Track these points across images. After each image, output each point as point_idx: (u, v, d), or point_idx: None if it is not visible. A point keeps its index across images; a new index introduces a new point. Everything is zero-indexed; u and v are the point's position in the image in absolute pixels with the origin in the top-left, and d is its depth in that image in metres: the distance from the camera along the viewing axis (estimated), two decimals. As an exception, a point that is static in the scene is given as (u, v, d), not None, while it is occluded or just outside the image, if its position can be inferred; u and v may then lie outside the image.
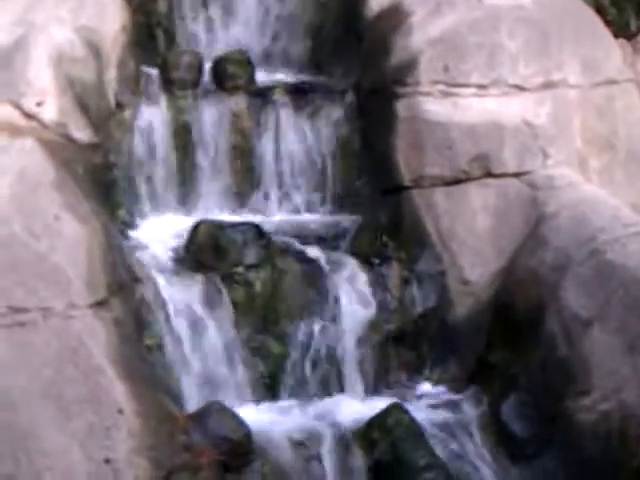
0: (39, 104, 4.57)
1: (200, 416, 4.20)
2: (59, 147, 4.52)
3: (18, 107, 4.53)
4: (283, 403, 4.65)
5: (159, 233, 5.09)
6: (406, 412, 4.40)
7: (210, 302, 4.70)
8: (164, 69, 5.32)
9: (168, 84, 5.35)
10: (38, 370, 3.91)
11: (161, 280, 4.69)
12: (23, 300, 4.01)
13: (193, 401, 4.44)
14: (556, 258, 4.64)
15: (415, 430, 4.34)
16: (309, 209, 5.39)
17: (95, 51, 4.89)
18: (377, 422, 4.39)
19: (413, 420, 4.37)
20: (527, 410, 4.46)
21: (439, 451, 4.36)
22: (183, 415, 4.17)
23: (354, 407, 4.65)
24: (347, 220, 5.22)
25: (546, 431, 4.39)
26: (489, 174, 5.07)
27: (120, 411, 3.90)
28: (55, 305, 4.04)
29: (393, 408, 4.42)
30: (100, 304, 4.16)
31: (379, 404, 4.63)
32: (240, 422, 4.23)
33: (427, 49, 5.09)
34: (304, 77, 5.74)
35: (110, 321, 4.14)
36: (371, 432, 4.37)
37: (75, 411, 3.85)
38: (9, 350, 3.91)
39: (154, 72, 5.26)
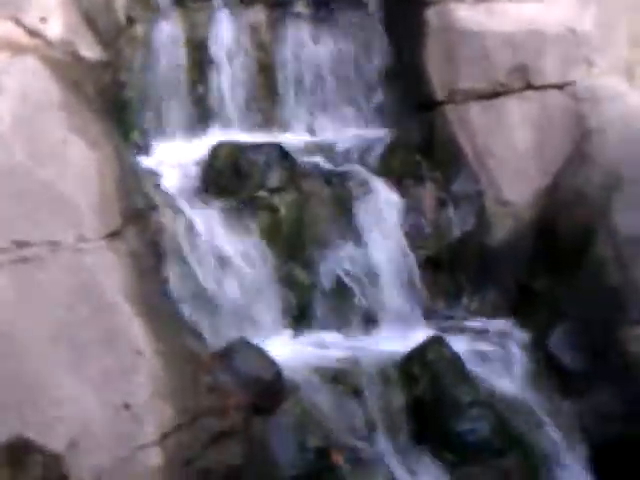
0: (43, 20, 4.22)
1: (226, 354, 3.77)
2: (65, 66, 4.25)
3: (20, 24, 4.25)
4: (314, 337, 4.22)
5: (175, 156, 4.67)
6: (446, 345, 3.95)
7: (232, 229, 4.17)
8: (176, -19, 4.87)
9: (181, -3, 4.84)
10: (47, 311, 3.44)
11: (180, 207, 4.12)
12: (28, 233, 3.55)
13: (218, 337, 3.93)
14: (605, 177, 4.17)
15: (457, 365, 3.91)
16: (335, 126, 4.87)
17: None
18: (416, 357, 3.96)
19: (454, 354, 3.94)
20: (576, 340, 4.01)
21: (483, 386, 3.84)
22: (208, 354, 3.69)
23: (390, 339, 4.18)
24: (377, 138, 4.70)
25: (597, 363, 3.94)
26: (528, 86, 4.67)
27: (139, 352, 3.44)
28: (64, 238, 3.58)
29: (433, 341, 3.98)
30: (114, 235, 3.69)
31: (416, 336, 4.20)
32: (269, 359, 3.79)
33: None
34: (324, -13, 5.13)
35: (125, 253, 3.68)
36: (410, 367, 3.95)
37: (89, 354, 3.40)
38: (13, 289, 3.45)
39: (167, -16, 4.88)
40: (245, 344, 3.86)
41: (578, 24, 4.66)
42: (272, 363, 3.82)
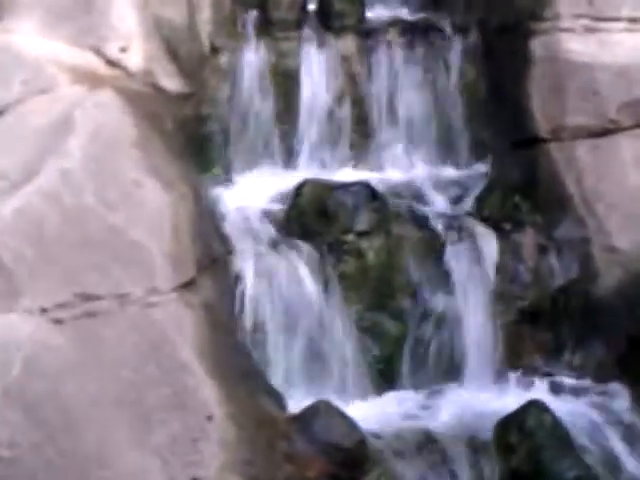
0: (123, 50, 4.09)
1: (305, 418, 3.40)
2: (145, 98, 4.03)
3: (100, 54, 4.08)
4: (401, 395, 3.86)
5: (258, 194, 4.38)
6: (548, 410, 3.50)
7: (316, 275, 3.78)
8: (263, 8, 4.78)
9: (268, 25, 4.74)
10: (112, 372, 3.13)
11: (260, 251, 3.78)
12: (95, 285, 3.23)
13: (295, 396, 3.56)
14: None
15: (560, 434, 3.48)
16: (428, 165, 4.49)
17: None
18: (514, 422, 3.54)
19: (557, 421, 3.48)
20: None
21: (590, 459, 3.41)
22: (284, 417, 3.31)
23: (484, 400, 3.80)
24: (473, 177, 4.28)
25: None
26: (643, 124, 4.09)
27: (210, 417, 3.09)
28: (133, 290, 3.26)
29: (533, 405, 3.55)
30: (187, 285, 3.36)
31: (513, 397, 3.78)
32: (352, 425, 3.41)
33: None
34: (420, 14, 4.72)
35: (199, 306, 3.34)
36: (507, 435, 3.52)
37: (156, 420, 3.06)
38: (75, 349, 3.13)
39: (253, 12, 4.72)
40: (326, 406, 3.49)
41: (699, 56, 4.18)
42: (355, 429, 3.46)
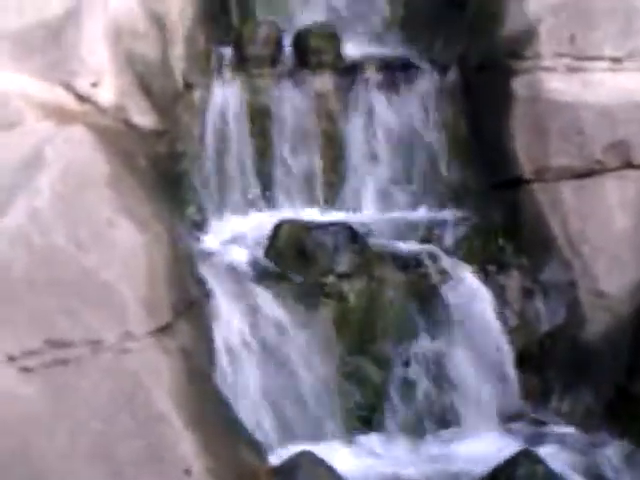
0: (94, 85, 3.93)
1: (288, 470, 3.18)
2: (117, 135, 3.87)
3: (70, 88, 3.92)
4: (386, 443, 3.63)
5: (234, 235, 4.18)
6: (540, 461, 3.30)
7: (295, 318, 3.59)
8: (238, 44, 4.62)
9: (243, 61, 4.60)
10: (84, 423, 2.89)
11: (238, 294, 3.59)
12: (66, 331, 3.03)
13: (276, 445, 3.35)
14: None
15: (554, 486, 3.24)
16: (409, 205, 4.33)
17: (159, 24, 4.27)
18: (504, 473, 3.31)
19: (550, 472, 3.26)
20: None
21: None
22: (265, 469, 3.10)
23: (472, 448, 3.62)
24: (455, 219, 4.11)
25: None
26: (629, 165, 4.12)
27: (188, 472, 2.89)
28: (106, 336, 3.05)
29: (523, 456, 3.36)
30: (163, 330, 3.17)
31: (501, 445, 3.56)
32: (338, 477, 3.16)
33: (548, 15, 4.24)
34: (398, 51, 4.57)
35: (175, 352, 3.15)
36: (497, 487, 3.27)
37: (130, 476, 2.77)
38: (46, 399, 2.92)
39: (227, 48, 4.58)
40: (309, 458, 3.27)
41: (683, 96, 4.06)
42: (340, 481, 3.22)
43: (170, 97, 4.29)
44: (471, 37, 4.59)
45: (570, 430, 3.88)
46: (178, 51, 4.41)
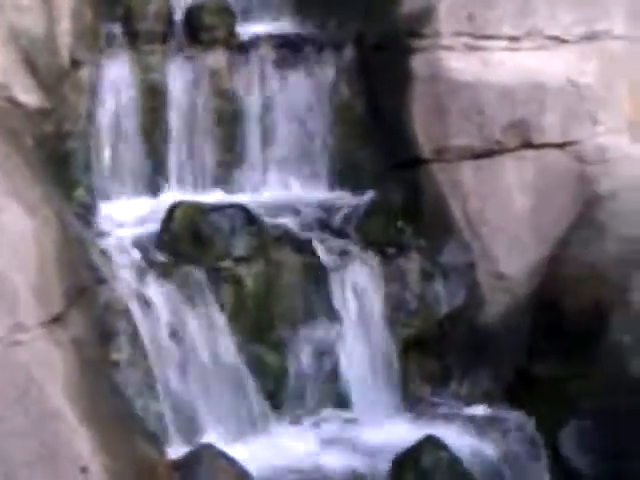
0: None
1: (188, 464, 3.04)
2: (1, 114, 3.56)
3: None
4: (287, 431, 3.48)
5: (125, 218, 3.98)
6: (444, 447, 3.22)
7: (191, 305, 3.44)
8: (128, 19, 4.40)
9: (133, 37, 4.39)
10: (-28, 422, 2.65)
11: (130, 279, 3.40)
12: (-48, 324, 2.75)
13: (175, 437, 3.19)
14: (622, 251, 3.52)
15: (459, 472, 3.15)
16: (304, 186, 4.18)
17: None
18: (409, 461, 3.27)
19: (455, 459, 3.19)
20: (593, 441, 3.29)
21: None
22: (165, 463, 2.94)
23: (372, 434, 3.49)
24: (353, 200, 4.00)
25: (619, 468, 3.21)
26: (528, 144, 4.08)
27: (84, 470, 2.72)
28: (-5, 328, 2.78)
29: (427, 442, 3.27)
30: (55, 321, 2.99)
31: (402, 429, 3.51)
32: (239, 469, 3.05)
33: None
34: (291, 29, 4.42)
35: (68, 343, 2.99)
36: (403, 475, 3.18)
37: (24, 477, 2.57)
38: None
39: (116, 24, 4.35)
40: (210, 450, 3.13)
41: (580, 76, 4.02)
42: (243, 474, 3.09)
43: (56, 74, 4.09)
44: (368, 15, 4.47)
45: (470, 410, 3.79)
46: (64, 26, 4.21)
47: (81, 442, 2.88)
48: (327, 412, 3.76)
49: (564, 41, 4.16)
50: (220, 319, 3.69)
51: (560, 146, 4.08)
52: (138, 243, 3.87)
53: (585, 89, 4.09)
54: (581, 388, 3.59)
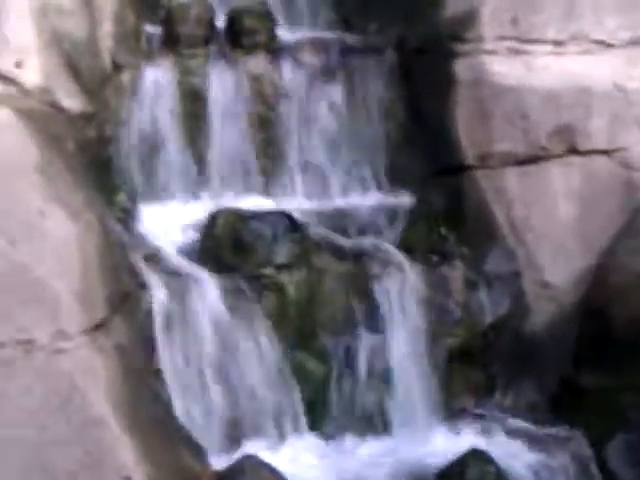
0: (18, 65, 3.67)
1: (231, 475, 2.98)
2: (44, 119, 3.65)
3: None
4: (331, 442, 3.45)
5: (168, 223, 3.98)
6: (490, 461, 3.16)
7: (233, 312, 3.39)
8: (169, 23, 4.37)
9: (174, 41, 4.33)
10: (15, 431, 2.62)
11: (175, 286, 3.38)
12: (-5, 331, 2.71)
13: (218, 447, 3.15)
14: (672, 260, 3.41)
15: (505, 485, 3.11)
16: (346, 193, 4.13)
17: (86, 1, 4.03)
18: (454, 475, 3.14)
19: (501, 472, 3.12)
20: (640, 455, 3.23)
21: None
22: (209, 474, 2.90)
23: (416, 446, 3.42)
24: (396, 207, 3.95)
25: None
26: (574, 150, 4.00)
27: (127, 479, 2.61)
28: (38, 335, 2.80)
29: (473, 456, 3.21)
30: (98, 327, 2.95)
31: (446, 442, 3.38)
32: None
33: None
34: (332, 34, 4.37)
35: (111, 350, 2.94)
36: (448, 488, 3.12)
37: None
38: (-26, 406, 2.61)
39: (158, 27, 4.33)
40: (253, 461, 3.09)
41: (628, 81, 3.95)
42: (286, 485, 3.04)
43: (98, 78, 4.06)
44: (410, 19, 4.41)
45: (515, 422, 3.72)
46: (106, 30, 4.18)
47: (124, 451, 2.83)
48: (368, 423, 3.67)
49: (610, 45, 4.08)
50: (263, 326, 3.62)
51: (607, 152, 4.00)
52: (181, 248, 3.82)
53: (632, 94, 4.01)
54: (629, 400, 3.52)
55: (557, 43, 4.09)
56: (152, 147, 4.26)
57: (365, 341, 3.77)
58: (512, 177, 4.01)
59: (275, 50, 4.43)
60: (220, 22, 4.52)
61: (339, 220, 4.09)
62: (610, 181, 4.00)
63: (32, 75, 3.71)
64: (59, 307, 2.99)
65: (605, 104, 4.00)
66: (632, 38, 4.12)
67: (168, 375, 3.41)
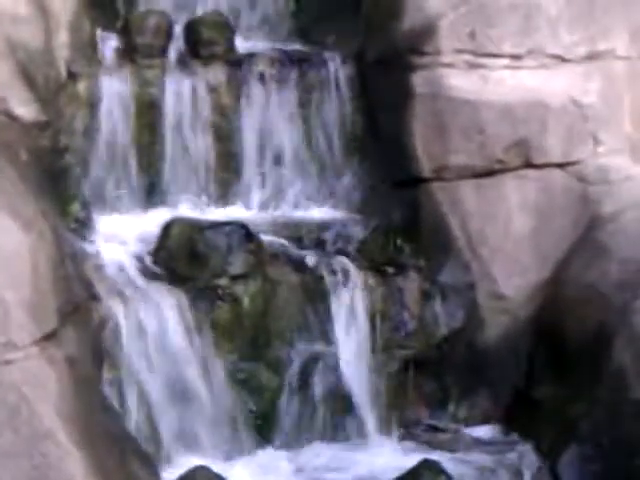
0: None
1: (181, 486, 2.92)
2: None
3: None
4: (281, 454, 3.42)
5: (121, 234, 3.94)
6: (442, 472, 3.16)
7: (186, 323, 3.38)
8: (126, 33, 4.33)
9: (131, 51, 4.31)
10: (-39, 443, 2.58)
11: (125, 296, 3.33)
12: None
13: (169, 458, 3.11)
14: (624, 272, 3.45)
15: (457, 498, 3.11)
16: (302, 204, 4.11)
17: (42, 9, 4.01)
18: (407, 486, 3.13)
19: (453, 483, 3.14)
20: (593, 467, 3.23)
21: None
22: (159, 486, 2.88)
23: (368, 458, 3.42)
24: (352, 219, 3.95)
25: None
26: (529, 164, 4.02)
27: (76, 492, 2.60)
28: (-14, 346, 2.72)
29: (425, 467, 3.20)
30: (48, 338, 2.91)
31: (398, 454, 3.42)
32: (234, 493, 2.96)
33: (449, 10, 4.08)
34: (290, 45, 4.38)
35: (62, 361, 2.93)
36: (401, 500, 3.13)
37: None
38: None
39: (114, 37, 4.27)
40: (204, 472, 3.05)
41: (583, 96, 3.98)
42: (238, 497, 3.02)
43: (53, 87, 4.03)
44: (368, 32, 4.42)
45: (469, 433, 3.73)
46: (62, 39, 4.15)
47: (73, 463, 2.81)
48: (323, 434, 3.66)
49: (566, 60, 4.11)
50: (214, 337, 3.61)
51: (562, 166, 4.03)
52: (134, 259, 3.80)
53: (587, 109, 4.04)
54: (582, 411, 3.53)
55: (514, 57, 4.11)
56: (107, 157, 4.22)
57: (319, 352, 3.75)
58: (468, 190, 4.03)
59: (233, 61, 4.41)
60: (178, 32, 4.49)
61: (295, 231, 4.08)
62: (565, 195, 4.02)
63: (-15, 84, 3.68)
64: (8, 318, 2.96)
65: (561, 118, 4.03)
66: (588, 53, 4.15)
67: (118, 386, 3.36)
